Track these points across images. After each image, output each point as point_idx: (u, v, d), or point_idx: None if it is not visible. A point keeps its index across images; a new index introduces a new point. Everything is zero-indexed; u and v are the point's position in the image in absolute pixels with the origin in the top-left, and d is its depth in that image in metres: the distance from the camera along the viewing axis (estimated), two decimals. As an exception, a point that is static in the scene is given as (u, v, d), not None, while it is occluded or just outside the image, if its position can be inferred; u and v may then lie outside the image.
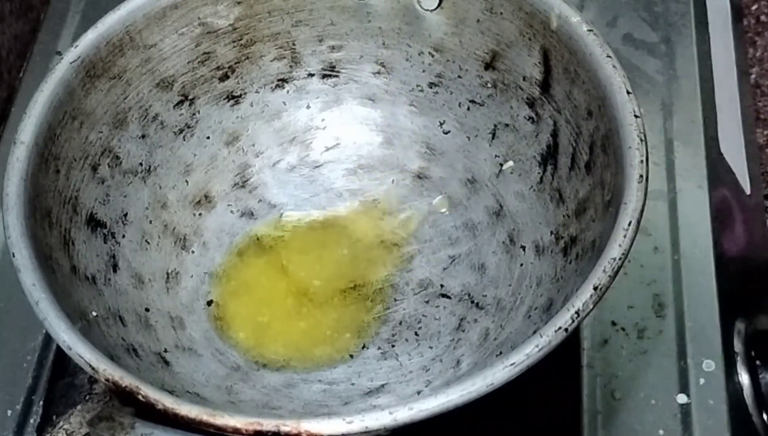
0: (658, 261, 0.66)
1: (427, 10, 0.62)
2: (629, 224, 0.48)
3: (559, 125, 0.58)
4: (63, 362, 0.63)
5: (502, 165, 0.63)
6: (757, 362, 0.62)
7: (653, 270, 0.66)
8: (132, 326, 0.57)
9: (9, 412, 0.62)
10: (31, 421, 0.62)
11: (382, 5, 0.63)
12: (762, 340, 0.64)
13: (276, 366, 0.59)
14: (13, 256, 0.50)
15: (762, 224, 0.79)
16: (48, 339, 0.64)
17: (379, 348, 0.59)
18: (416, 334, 0.60)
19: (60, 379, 0.63)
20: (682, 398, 0.60)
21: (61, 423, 0.50)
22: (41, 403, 0.63)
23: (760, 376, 0.62)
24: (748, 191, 0.75)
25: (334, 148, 0.67)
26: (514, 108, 0.61)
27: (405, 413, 0.43)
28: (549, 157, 0.59)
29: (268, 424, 0.43)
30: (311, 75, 0.66)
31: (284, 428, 0.43)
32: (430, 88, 0.65)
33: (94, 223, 0.58)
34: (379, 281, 0.62)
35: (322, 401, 0.57)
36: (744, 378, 0.62)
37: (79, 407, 0.51)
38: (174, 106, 0.63)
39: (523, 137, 0.61)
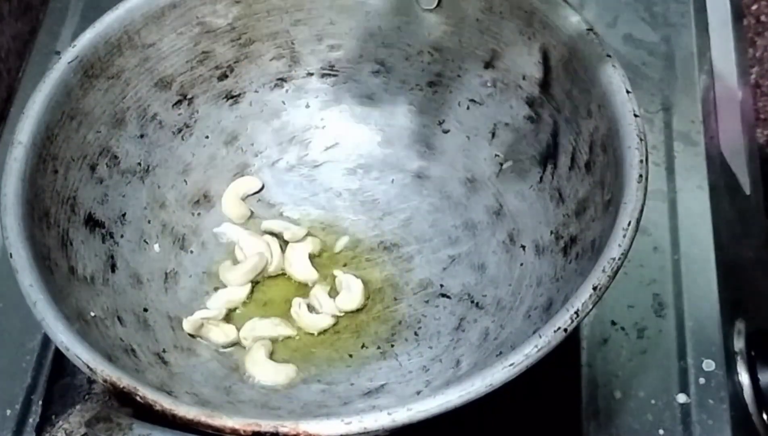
0: (658, 261, 0.66)
1: (427, 9, 0.62)
2: (629, 224, 0.48)
3: (559, 125, 0.58)
4: (62, 361, 0.63)
5: (501, 164, 0.63)
6: (757, 362, 0.62)
7: (653, 270, 0.65)
8: (130, 326, 0.56)
9: (8, 411, 0.62)
10: (30, 421, 0.62)
11: (381, 4, 0.63)
12: (762, 340, 0.64)
13: (275, 366, 0.59)
14: (11, 256, 0.50)
15: (762, 225, 0.79)
16: (47, 339, 0.64)
17: (378, 348, 0.59)
18: (416, 334, 0.60)
19: (59, 379, 0.63)
20: (682, 398, 0.60)
21: (60, 423, 0.50)
22: (40, 403, 0.63)
23: (760, 376, 0.62)
24: (747, 192, 0.75)
25: (334, 148, 0.67)
26: (513, 107, 0.61)
27: (403, 414, 0.43)
28: (549, 156, 0.59)
29: (266, 425, 0.43)
30: (310, 74, 0.66)
31: (282, 429, 0.43)
32: (430, 87, 0.65)
33: (92, 223, 0.58)
34: (378, 280, 0.62)
35: (321, 402, 0.57)
36: (744, 378, 0.62)
37: (78, 406, 0.50)
38: (173, 106, 0.63)
39: (523, 137, 0.61)
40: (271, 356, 0.59)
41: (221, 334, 0.59)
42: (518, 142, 0.61)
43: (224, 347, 0.59)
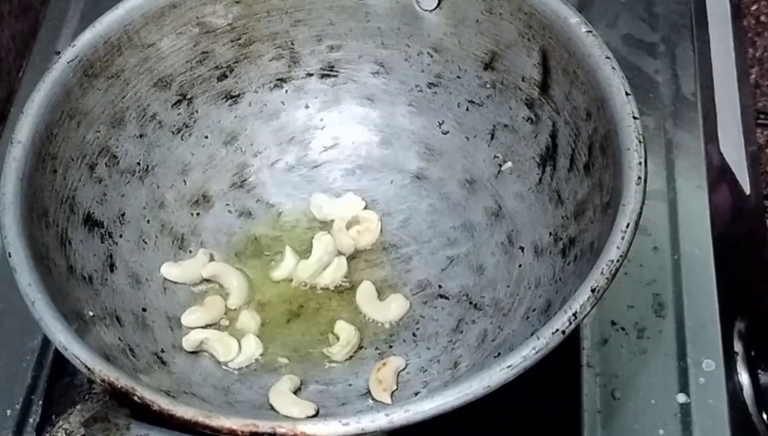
0: (657, 261, 0.66)
1: (426, 10, 0.62)
2: (627, 226, 0.48)
3: (558, 126, 0.58)
4: (62, 361, 0.63)
5: (500, 166, 0.63)
6: (757, 362, 0.62)
7: (653, 270, 0.65)
8: (129, 326, 0.57)
9: (8, 411, 0.62)
10: (31, 420, 0.62)
11: (381, 5, 0.63)
12: (762, 340, 0.64)
13: (273, 367, 0.59)
14: (9, 256, 0.50)
15: (762, 225, 0.79)
16: (47, 339, 0.64)
17: (376, 349, 0.59)
18: (414, 335, 0.60)
19: (59, 379, 0.63)
20: (682, 398, 0.60)
21: (60, 423, 0.50)
22: (40, 402, 0.63)
23: (760, 376, 0.62)
24: (747, 191, 0.75)
25: (333, 148, 0.67)
26: (513, 109, 0.61)
27: (401, 415, 0.43)
28: (548, 158, 0.59)
29: (264, 426, 0.43)
30: (310, 75, 0.66)
31: (280, 430, 0.43)
32: (429, 88, 0.65)
33: (91, 222, 0.58)
34: (377, 281, 0.62)
35: (319, 402, 0.56)
36: (744, 378, 0.62)
37: (78, 406, 0.51)
38: (172, 106, 0.63)
39: (522, 138, 0.61)
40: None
41: (225, 348, 0.59)
42: (517, 143, 0.61)
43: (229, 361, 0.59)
